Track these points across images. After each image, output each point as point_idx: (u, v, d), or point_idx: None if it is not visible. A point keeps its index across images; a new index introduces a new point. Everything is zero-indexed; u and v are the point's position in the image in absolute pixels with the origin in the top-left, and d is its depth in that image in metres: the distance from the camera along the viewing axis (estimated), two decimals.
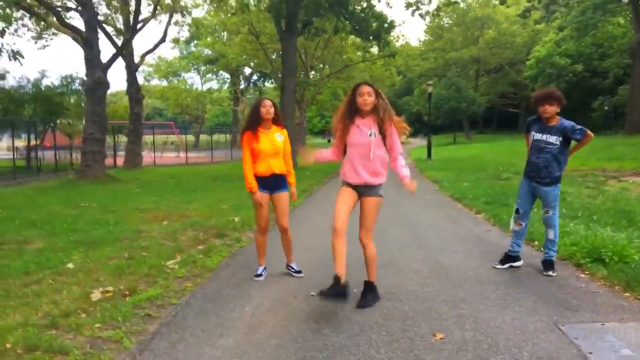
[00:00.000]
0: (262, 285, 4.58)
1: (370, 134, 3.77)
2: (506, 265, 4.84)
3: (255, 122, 4.58)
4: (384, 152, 3.86)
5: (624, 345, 2.95)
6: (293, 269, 4.90)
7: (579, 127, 4.46)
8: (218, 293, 4.33)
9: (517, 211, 4.86)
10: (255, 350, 3.12)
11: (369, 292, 3.98)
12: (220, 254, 5.74)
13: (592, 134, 4.46)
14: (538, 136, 4.61)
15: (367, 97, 3.76)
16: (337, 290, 3.62)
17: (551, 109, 4.48)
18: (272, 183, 4.64)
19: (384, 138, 3.81)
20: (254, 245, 5.39)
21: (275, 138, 4.62)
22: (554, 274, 4.55)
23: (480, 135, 52.84)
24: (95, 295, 4.24)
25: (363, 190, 3.91)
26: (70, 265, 5.21)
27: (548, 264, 4.63)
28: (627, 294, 3.91)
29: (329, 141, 67.70)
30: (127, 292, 4.30)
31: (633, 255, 4.60)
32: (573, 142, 4.57)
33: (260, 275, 4.78)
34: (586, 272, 4.57)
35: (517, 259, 4.87)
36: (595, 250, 4.78)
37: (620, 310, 3.58)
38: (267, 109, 4.56)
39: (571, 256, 4.99)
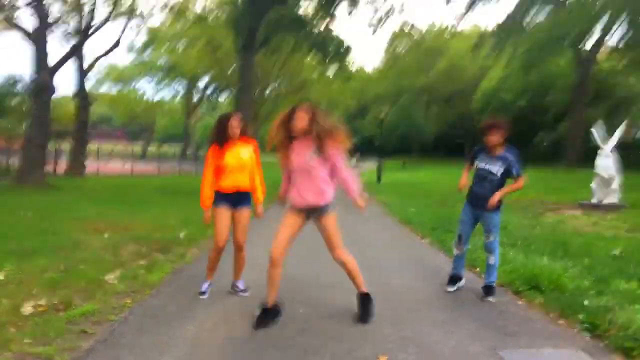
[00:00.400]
0: (207, 303, 4.46)
1: (310, 156, 3.73)
2: (455, 287, 4.99)
3: (222, 136, 4.44)
4: (326, 171, 3.80)
5: None
6: (239, 288, 4.81)
7: (518, 166, 4.59)
8: (159, 310, 4.18)
9: (459, 237, 4.99)
10: None
11: (368, 303, 4.00)
12: (164, 270, 5.55)
13: (523, 183, 4.63)
14: (482, 165, 4.72)
15: (297, 123, 3.71)
16: (271, 315, 3.84)
17: (494, 138, 4.60)
18: (236, 199, 4.52)
19: (325, 157, 3.74)
20: (199, 262, 5.28)
21: (240, 153, 4.49)
22: (494, 300, 4.67)
23: (429, 161, 54.29)
24: (27, 309, 4.00)
25: (312, 213, 3.86)
26: (0, 277, 4.90)
27: (488, 289, 4.75)
28: (561, 321, 4.07)
29: None
30: (62, 307, 4.08)
31: (567, 284, 4.81)
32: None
33: (204, 293, 4.63)
34: (524, 299, 4.73)
35: (460, 278, 5.08)
36: (533, 278, 4.95)
37: (555, 336, 3.72)
38: (237, 125, 4.44)
39: (510, 283, 5.15)
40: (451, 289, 4.99)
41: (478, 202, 4.74)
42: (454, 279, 5.05)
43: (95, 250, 6.34)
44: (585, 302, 4.25)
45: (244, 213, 4.57)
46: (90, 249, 6.40)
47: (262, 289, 4.82)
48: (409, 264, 6.35)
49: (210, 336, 3.60)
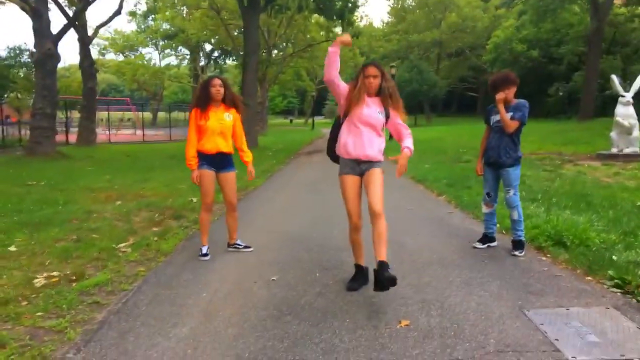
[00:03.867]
0: (220, 268, 4.37)
1: (379, 113, 3.73)
2: (485, 245, 4.91)
3: (204, 100, 4.61)
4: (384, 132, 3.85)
5: (590, 331, 2.92)
6: (240, 245, 4.94)
7: (522, 113, 4.55)
8: (173, 278, 4.10)
9: (487, 194, 4.90)
10: (212, 340, 2.93)
11: (383, 272, 3.31)
12: (177, 237, 5.49)
13: (513, 127, 4.53)
14: (496, 118, 4.69)
15: (372, 80, 3.68)
16: (363, 279, 3.84)
17: (504, 93, 4.55)
18: (219, 161, 4.67)
19: (387, 119, 3.78)
20: (213, 226, 5.21)
21: (223, 117, 4.64)
22: (522, 254, 4.58)
23: (441, 118, 53.52)
24: (39, 280, 3.96)
25: (367, 167, 3.74)
26: (12, 248, 4.87)
27: (517, 244, 4.67)
28: (589, 278, 3.91)
29: (291, 121, 67.24)
30: (74, 278, 4.03)
31: (594, 239, 4.63)
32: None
33: (206, 254, 4.69)
34: (548, 256, 4.57)
35: (493, 239, 4.97)
36: (557, 234, 4.78)
37: (584, 294, 3.56)
38: (217, 89, 4.59)
39: (533, 239, 4.98)
40: (480, 245, 4.92)
41: (500, 155, 4.63)
42: (486, 239, 4.96)
43: (108, 219, 6.29)
44: (614, 257, 4.08)
45: (229, 176, 4.75)
46: (103, 218, 6.35)
47: (276, 253, 4.75)
48: (425, 223, 6.20)
49: (225, 304, 3.51)
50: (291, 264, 4.46)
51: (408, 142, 3.75)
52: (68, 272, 4.13)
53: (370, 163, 3.73)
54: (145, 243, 5.13)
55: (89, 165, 13.62)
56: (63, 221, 6.09)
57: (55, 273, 4.11)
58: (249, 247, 4.94)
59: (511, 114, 4.55)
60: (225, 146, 4.65)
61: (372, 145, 3.71)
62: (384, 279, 3.25)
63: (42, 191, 8.63)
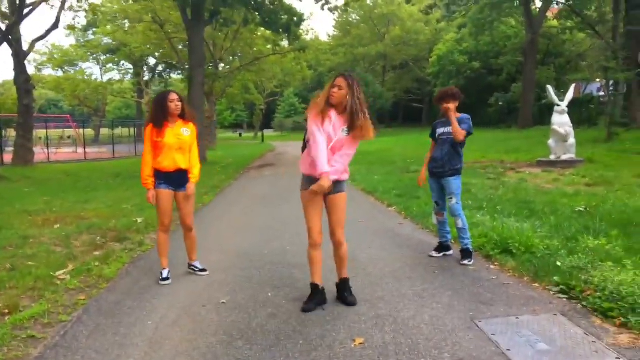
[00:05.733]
0: (167, 293, 4.18)
1: (343, 130, 3.59)
2: (441, 254, 5.01)
3: (161, 116, 4.37)
4: (354, 150, 3.73)
5: (540, 340, 2.96)
6: (197, 267, 4.72)
7: (468, 124, 4.74)
8: (116, 306, 3.88)
9: (436, 203, 5.04)
10: None
11: (348, 288, 3.83)
12: (120, 260, 5.22)
13: (462, 136, 4.69)
14: (441, 130, 4.89)
15: (335, 90, 3.56)
16: (319, 299, 3.72)
17: (449, 106, 4.73)
18: (177, 179, 4.45)
19: (354, 136, 3.64)
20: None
21: (181, 132, 4.43)
22: (470, 263, 4.66)
23: (388, 129, 54.52)
24: None
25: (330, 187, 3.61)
26: None
27: (465, 253, 4.77)
28: (536, 284, 4.01)
29: (240, 135, 66.56)
30: (7, 311, 3.73)
31: (538, 245, 4.76)
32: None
33: (167, 278, 4.45)
34: (496, 264, 4.66)
35: (449, 247, 5.06)
36: (503, 242, 4.89)
37: (532, 302, 3.64)
38: (176, 104, 4.39)
39: (480, 248, 5.09)
40: (436, 254, 5.01)
41: (443, 166, 4.82)
42: (442, 247, 5.06)
43: (45, 244, 5.93)
44: (558, 263, 4.20)
45: (188, 192, 4.51)
46: (40, 243, 5.98)
47: (226, 274, 4.61)
48: (376, 236, 6.21)
49: (172, 332, 3.34)
50: (242, 285, 4.33)
51: (334, 165, 3.59)
52: (0, 305, 3.83)
53: (334, 183, 3.60)
54: (86, 269, 4.84)
55: (25, 187, 12.90)
56: None
57: None
58: (205, 270, 4.68)
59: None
60: (184, 162, 4.44)
61: (335, 165, 3.60)
62: (346, 302, 3.70)
63: None
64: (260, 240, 6.14)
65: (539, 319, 3.28)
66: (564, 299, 3.64)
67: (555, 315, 3.35)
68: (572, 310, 3.43)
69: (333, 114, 3.61)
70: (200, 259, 4.89)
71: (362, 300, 3.79)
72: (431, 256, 5.00)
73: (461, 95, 4.85)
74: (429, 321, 3.35)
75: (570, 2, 27.83)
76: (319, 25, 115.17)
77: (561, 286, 3.77)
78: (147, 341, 3.19)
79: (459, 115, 4.78)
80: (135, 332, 3.34)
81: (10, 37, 17.95)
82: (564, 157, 12.39)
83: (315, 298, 3.72)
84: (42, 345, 3.17)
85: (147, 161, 4.39)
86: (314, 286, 3.76)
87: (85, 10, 23.34)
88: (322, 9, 21.79)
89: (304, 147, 3.78)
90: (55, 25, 21.34)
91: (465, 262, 4.68)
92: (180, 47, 30.79)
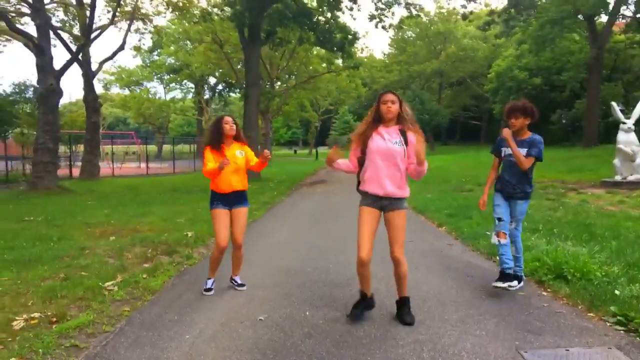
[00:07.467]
0: (208, 307, 4.22)
1: (396, 143, 3.62)
2: (506, 284, 4.18)
3: (217, 139, 4.57)
4: (406, 164, 3.67)
5: None
6: (236, 282, 4.85)
7: (539, 149, 4.26)
8: (158, 318, 3.95)
9: (499, 219, 4.37)
10: None
11: (408, 307, 3.80)
12: (167, 273, 5.34)
13: (528, 164, 4.26)
14: (508, 151, 4.38)
15: (390, 105, 3.63)
16: (366, 304, 3.80)
17: (517, 122, 4.30)
18: (234, 199, 4.61)
19: (408, 148, 3.64)
20: (204, 262, 5.11)
21: (235, 154, 4.59)
22: (517, 287, 4.26)
23: (444, 147, 53.56)
24: (18, 322, 3.81)
25: (387, 204, 3.66)
26: None
27: (515, 278, 4.31)
28: (591, 314, 3.74)
29: (295, 152, 67.49)
30: (55, 319, 3.88)
31: (595, 272, 4.45)
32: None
33: (210, 289, 4.64)
34: (548, 290, 4.40)
35: (512, 277, 4.24)
36: (558, 267, 4.62)
37: (585, 333, 3.38)
38: (230, 126, 4.58)
39: (533, 272, 4.82)
40: (500, 284, 4.19)
41: (513, 189, 4.36)
42: (505, 277, 4.23)
43: (99, 256, 6.16)
44: (616, 292, 3.91)
45: (242, 211, 4.67)
46: (94, 254, 6.23)
47: (266, 291, 4.60)
48: (424, 256, 6.03)
49: (207, 347, 3.35)
50: (281, 302, 4.30)
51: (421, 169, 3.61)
52: (49, 313, 3.99)
53: (391, 200, 3.64)
54: (134, 280, 4.99)
55: (89, 200, 13.57)
56: (54, 258, 5.97)
57: (36, 314, 3.97)
58: (243, 285, 4.78)
59: (526, 149, 4.26)
60: (240, 184, 4.59)
61: (391, 180, 3.61)
62: (403, 321, 3.68)
63: (38, 227, 8.54)
64: (305, 257, 6.11)
65: (591, 352, 3.04)
66: (621, 331, 3.37)
67: (610, 348, 3.09)
68: (630, 344, 3.16)
69: (382, 129, 3.67)
70: (244, 274, 4.93)
71: (401, 324, 3.66)
72: (495, 287, 4.25)
73: (535, 111, 4.29)
74: (470, 349, 3.18)
75: (639, 16, 26.46)
76: (376, 44, 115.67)
77: (618, 317, 3.49)
78: (183, 356, 3.21)
79: (529, 134, 4.32)
80: (172, 346, 3.37)
81: (80, 57, 19.09)
82: (631, 178, 11.68)
83: (362, 304, 3.79)
84: (83, 355, 3.26)
85: (209, 163, 4.45)
86: (363, 294, 3.81)
87: (150, 32, 24.59)
88: (376, 27, 21.83)
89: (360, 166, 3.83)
90: (122, 47, 22.62)
91: (512, 284, 4.20)
92: (239, 66, 31.70)
